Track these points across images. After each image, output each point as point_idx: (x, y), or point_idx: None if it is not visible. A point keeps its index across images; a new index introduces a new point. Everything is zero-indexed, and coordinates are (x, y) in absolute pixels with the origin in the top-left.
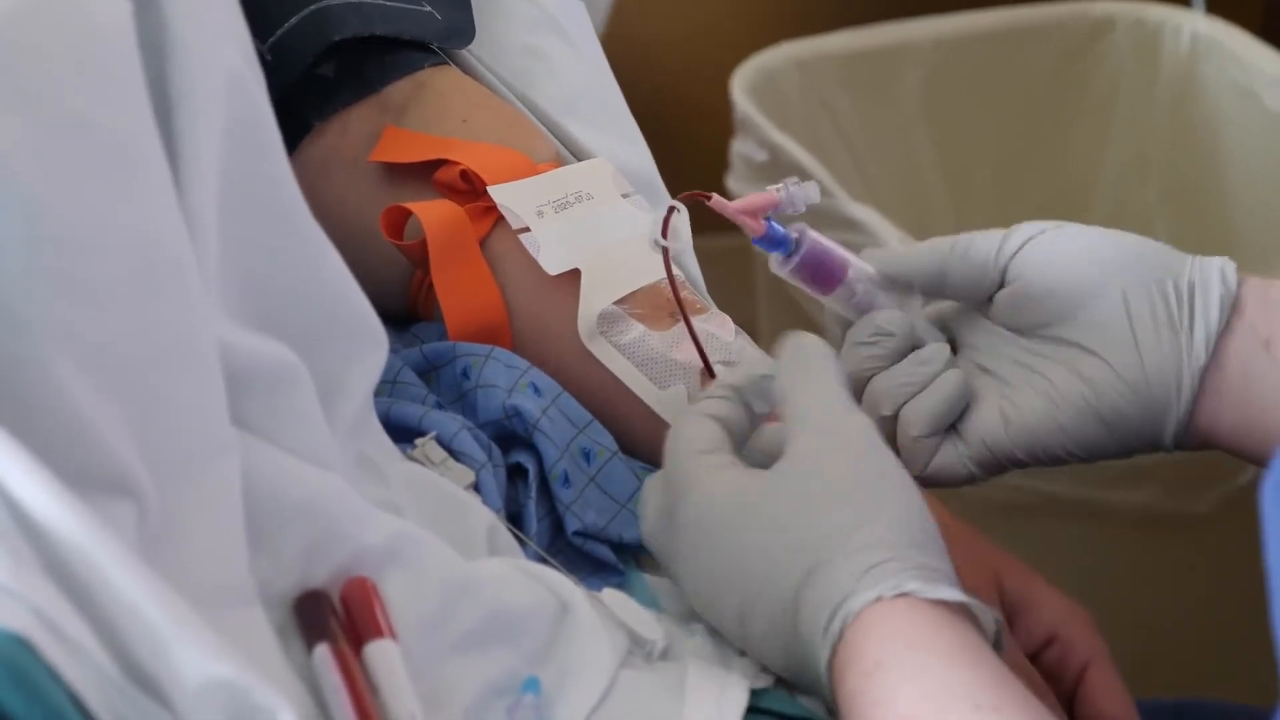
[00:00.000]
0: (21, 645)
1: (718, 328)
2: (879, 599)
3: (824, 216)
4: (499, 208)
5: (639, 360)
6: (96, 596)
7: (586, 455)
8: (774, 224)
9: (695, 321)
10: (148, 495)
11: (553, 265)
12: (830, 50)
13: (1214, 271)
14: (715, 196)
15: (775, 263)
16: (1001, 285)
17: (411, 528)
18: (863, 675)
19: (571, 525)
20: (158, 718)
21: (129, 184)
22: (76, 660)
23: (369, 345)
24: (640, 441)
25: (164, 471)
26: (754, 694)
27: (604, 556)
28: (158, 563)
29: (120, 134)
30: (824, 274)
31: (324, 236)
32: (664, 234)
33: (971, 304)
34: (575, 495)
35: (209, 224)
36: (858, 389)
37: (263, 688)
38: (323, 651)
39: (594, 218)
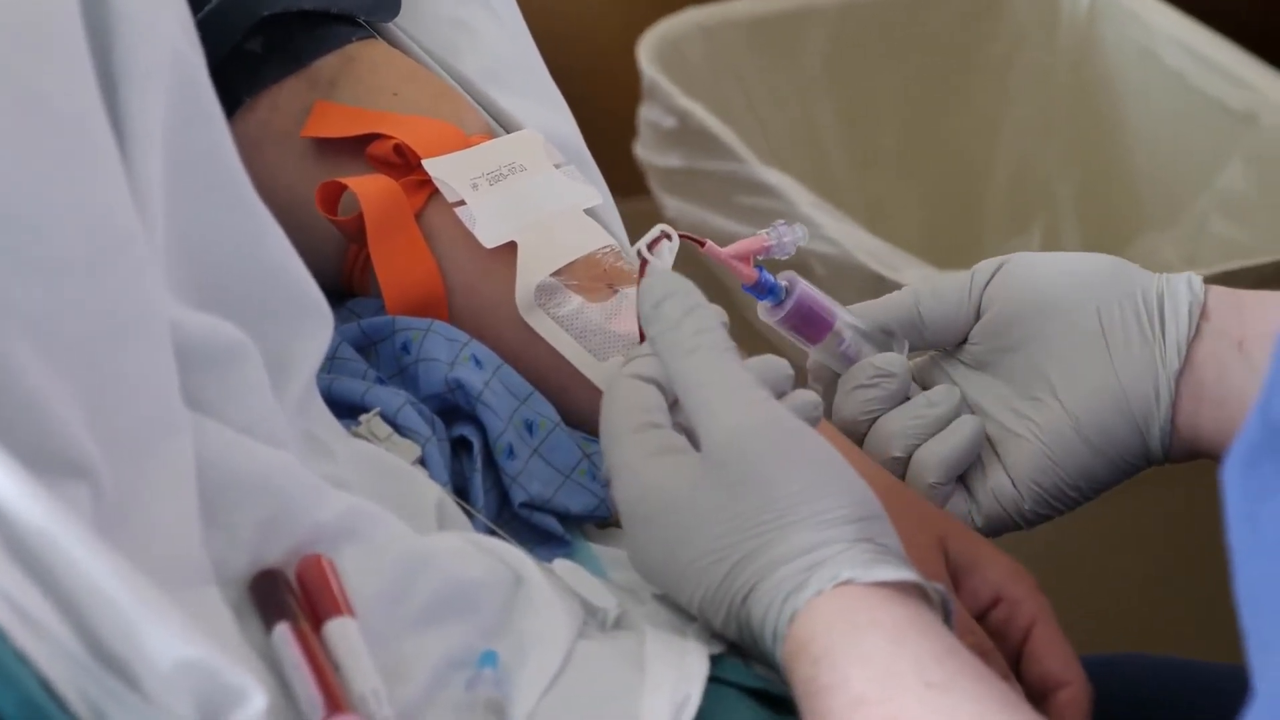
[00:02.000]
0: None
1: None
2: (819, 592)
3: (736, 182)
4: (434, 181)
5: (577, 332)
6: (61, 580)
7: (529, 427)
8: (764, 272)
9: (632, 291)
10: (101, 475)
11: (489, 238)
12: (734, 15)
13: (1180, 282)
14: (709, 243)
15: (764, 310)
16: (977, 319)
17: (364, 503)
18: (812, 663)
19: (518, 497)
20: (127, 700)
21: (79, 160)
22: (45, 644)
23: (314, 321)
24: (581, 412)
25: (117, 451)
26: (711, 661)
27: (550, 527)
28: (113, 543)
29: (69, 111)
30: (812, 323)
31: (267, 212)
32: (651, 249)
33: (947, 348)
34: (520, 467)
35: (156, 200)
36: (857, 431)
37: (233, 668)
38: (283, 630)
39: (528, 189)
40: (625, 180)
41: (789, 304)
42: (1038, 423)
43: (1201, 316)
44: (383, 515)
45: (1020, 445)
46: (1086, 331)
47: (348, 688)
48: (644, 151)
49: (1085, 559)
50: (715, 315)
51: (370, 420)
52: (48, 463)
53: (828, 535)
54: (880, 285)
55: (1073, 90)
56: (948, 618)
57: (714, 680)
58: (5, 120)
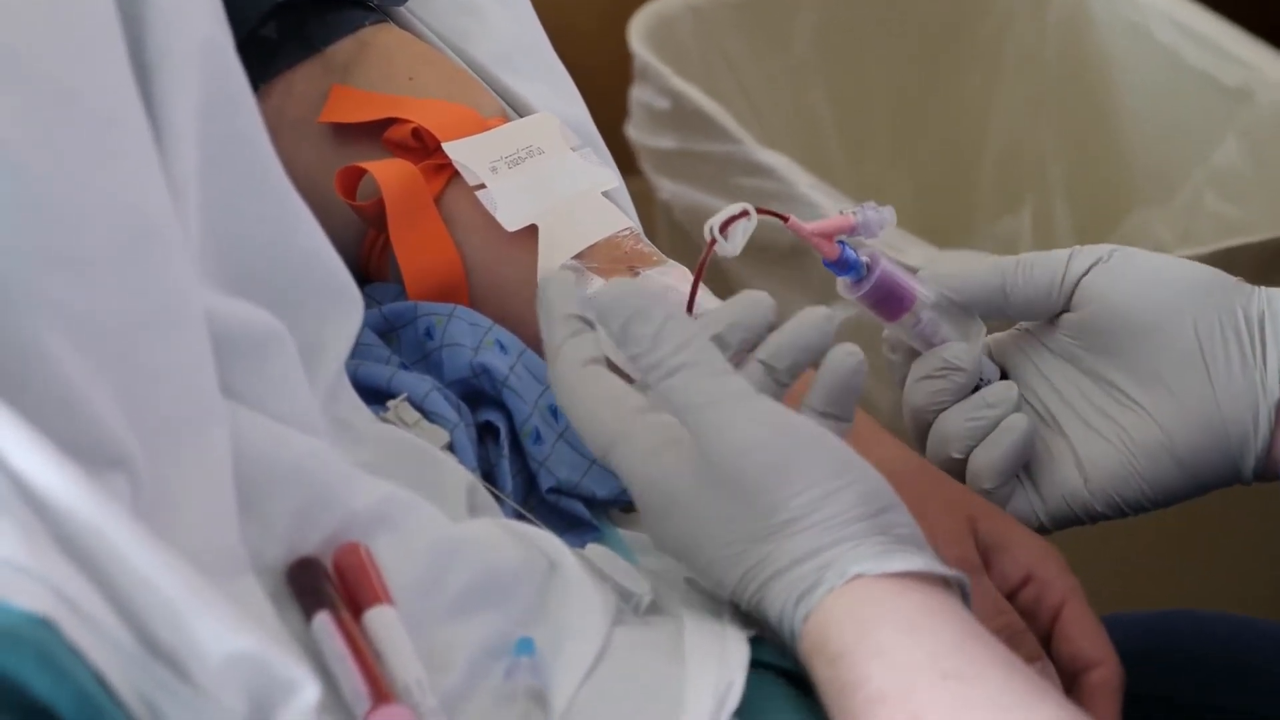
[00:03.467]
0: (45, 626)
1: (677, 280)
2: (830, 590)
3: (732, 163)
4: (455, 165)
5: None
6: (110, 573)
7: (554, 411)
8: (847, 248)
9: (653, 273)
10: (139, 466)
11: (510, 222)
12: None
13: None
14: (792, 218)
15: (844, 287)
16: (1066, 309)
17: (398, 490)
18: (829, 663)
19: (546, 482)
20: (179, 692)
21: (114, 152)
22: (98, 638)
23: (345, 307)
24: None
25: (154, 441)
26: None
27: (579, 513)
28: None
29: (105, 102)
30: (892, 301)
31: (298, 198)
32: (723, 231)
33: (1032, 326)
34: (547, 452)
35: (191, 190)
36: (922, 422)
37: (284, 660)
38: (323, 619)
39: (547, 172)
40: (616, 161)
41: (869, 282)
42: (1128, 432)
43: None
44: (417, 502)
45: (1104, 450)
46: (1184, 349)
47: (391, 678)
48: (636, 133)
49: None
50: (689, 320)
51: (398, 406)
52: (86, 454)
53: (838, 535)
54: None
55: (1064, 68)
56: (965, 602)
57: (752, 664)
58: (40, 113)
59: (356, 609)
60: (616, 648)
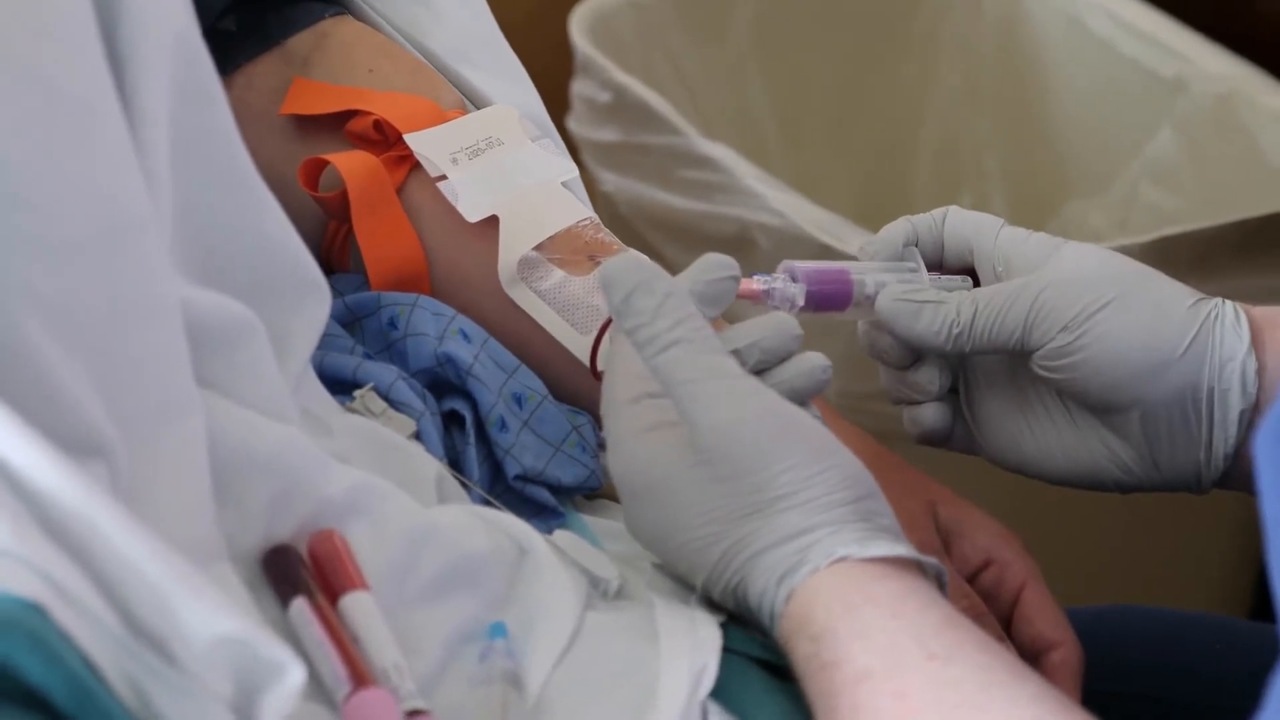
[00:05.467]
0: (36, 611)
1: None
2: (815, 570)
3: (675, 156)
4: (416, 156)
5: (560, 306)
6: (97, 559)
7: (518, 400)
8: (769, 296)
9: None
10: (117, 454)
11: (472, 213)
12: None
13: (1234, 380)
14: None
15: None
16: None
17: (371, 478)
18: (812, 640)
19: (512, 469)
20: (166, 675)
21: (92, 142)
22: (86, 623)
23: (313, 298)
24: (564, 386)
25: (132, 431)
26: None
27: (544, 499)
28: None
29: (82, 93)
30: (834, 302)
31: (267, 190)
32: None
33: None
34: (512, 440)
35: (165, 181)
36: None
37: (270, 643)
38: (300, 605)
39: (507, 163)
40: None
41: (800, 304)
42: (1068, 451)
43: (1254, 411)
44: (389, 490)
45: (1038, 450)
46: (1130, 431)
47: (369, 662)
48: (577, 126)
49: (1063, 513)
50: (689, 298)
51: (365, 395)
52: (65, 442)
53: (821, 518)
54: (826, 255)
55: (999, 60)
56: (941, 590)
57: (724, 649)
58: (16, 102)
59: (332, 595)
60: (589, 631)
